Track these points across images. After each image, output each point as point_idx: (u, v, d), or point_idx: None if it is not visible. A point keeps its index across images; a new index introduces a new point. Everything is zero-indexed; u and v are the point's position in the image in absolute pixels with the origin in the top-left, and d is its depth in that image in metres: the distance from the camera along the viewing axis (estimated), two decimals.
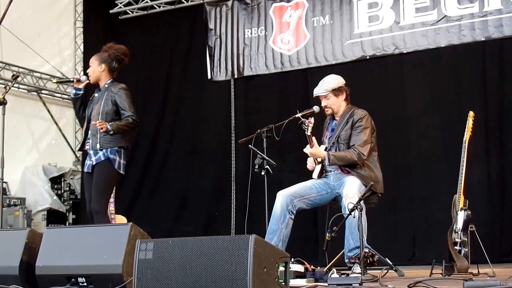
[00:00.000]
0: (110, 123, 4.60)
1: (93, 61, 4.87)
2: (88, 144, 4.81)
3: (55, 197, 8.25)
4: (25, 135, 8.41)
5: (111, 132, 4.59)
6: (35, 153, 8.57)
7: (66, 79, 5.00)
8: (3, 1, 6.77)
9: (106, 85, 4.82)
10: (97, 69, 4.83)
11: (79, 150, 5.22)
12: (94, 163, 4.71)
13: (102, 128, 4.54)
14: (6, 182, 7.34)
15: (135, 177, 8.40)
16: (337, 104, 4.80)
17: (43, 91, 8.71)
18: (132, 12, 8.80)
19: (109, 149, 4.69)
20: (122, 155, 4.75)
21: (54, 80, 5.11)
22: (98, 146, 4.69)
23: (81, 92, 4.91)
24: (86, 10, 9.05)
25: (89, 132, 4.81)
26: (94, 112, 4.78)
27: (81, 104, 4.93)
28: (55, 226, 7.69)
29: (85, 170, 4.85)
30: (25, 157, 8.38)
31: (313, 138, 4.64)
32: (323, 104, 4.81)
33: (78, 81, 4.87)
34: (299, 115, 4.61)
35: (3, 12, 5.86)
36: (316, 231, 7.03)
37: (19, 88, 8.25)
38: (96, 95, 4.88)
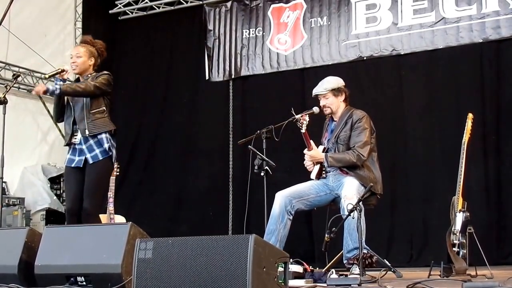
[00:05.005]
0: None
1: (83, 53, 4.67)
2: (75, 137, 4.60)
3: (54, 197, 8.23)
4: (25, 135, 8.38)
5: (58, 91, 4.44)
6: (34, 153, 8.54)
7: (55, 71, 4.75)
8: (3, 3, 6.79)
9: (89, 76, 4.64)
10: (88, 62, 4.68)
11: (66, 145, 4.74)
12: (91, 161, 4.51)
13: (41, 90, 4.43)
14: (5, 182, 7.32)
15: (134, 178, 8.41)
16: (336, 105, 4.82)
17: None
18: (132, 13, 8.80)
19: (104, 144, 4.51)
20: (113, 141, 4.59)
21: (47, 75, 4.87)
22: (87, 132, 4.49)
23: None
24: (86, 11, 9.02)
25: (76, 122, 4.58)
26: (79, 105, 4.57)
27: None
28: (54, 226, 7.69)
29: (73, 165, 4.59)
30: (25, 157, 8.35)
31: (311, 142, 4.66)
32: (321, 103, 4.83)
33: (62, 71, 4.60)
34: (298, 116, 4.61)
35: (3, 13, 5.85)
36: (314, 232, 7.02)
37: (19, 88, 8.24)
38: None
